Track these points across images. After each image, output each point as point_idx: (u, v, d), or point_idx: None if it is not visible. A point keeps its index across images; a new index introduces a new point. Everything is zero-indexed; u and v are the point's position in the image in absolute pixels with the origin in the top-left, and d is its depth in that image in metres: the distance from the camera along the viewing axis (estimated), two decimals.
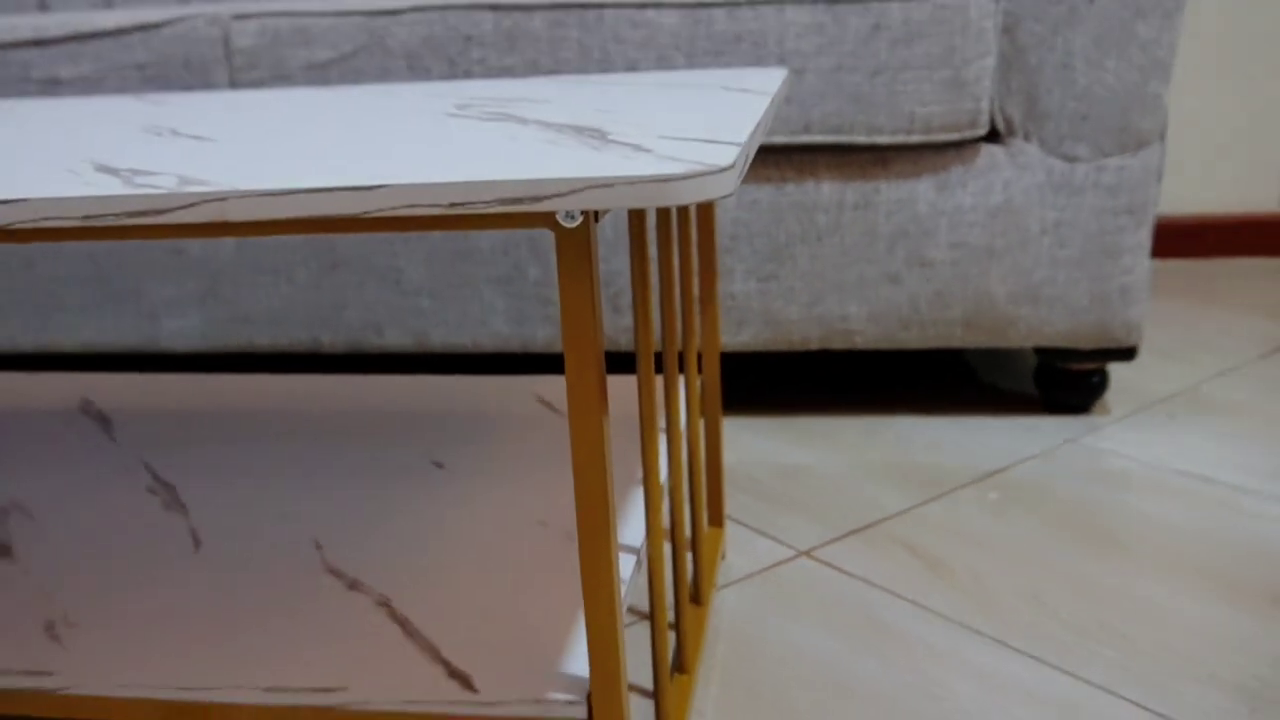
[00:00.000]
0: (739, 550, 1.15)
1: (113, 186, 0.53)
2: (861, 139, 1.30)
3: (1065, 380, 1.44)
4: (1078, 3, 1.26)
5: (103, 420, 1.06)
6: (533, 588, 0.74)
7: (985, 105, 1.29)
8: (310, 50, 1.35)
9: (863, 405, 1.51)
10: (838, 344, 1.41)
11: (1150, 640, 0.96)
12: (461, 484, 0.89)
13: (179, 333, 1.48)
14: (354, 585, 0.74)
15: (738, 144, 0.53)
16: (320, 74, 1.35)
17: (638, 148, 0.54)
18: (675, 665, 0.88)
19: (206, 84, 1.38)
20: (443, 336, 1.44)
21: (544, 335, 1.42)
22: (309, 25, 1.34)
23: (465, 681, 0.63)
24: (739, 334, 1.41)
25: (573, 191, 0.47)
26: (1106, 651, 0.95)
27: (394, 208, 0.49)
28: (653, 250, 1.38)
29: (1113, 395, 1.51)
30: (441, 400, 1.07)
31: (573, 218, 0.51)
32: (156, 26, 1.37)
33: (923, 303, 1.37)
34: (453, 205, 0.48)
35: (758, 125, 0.62)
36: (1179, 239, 2.16)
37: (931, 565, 1.10)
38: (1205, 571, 1.06)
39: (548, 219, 0.51)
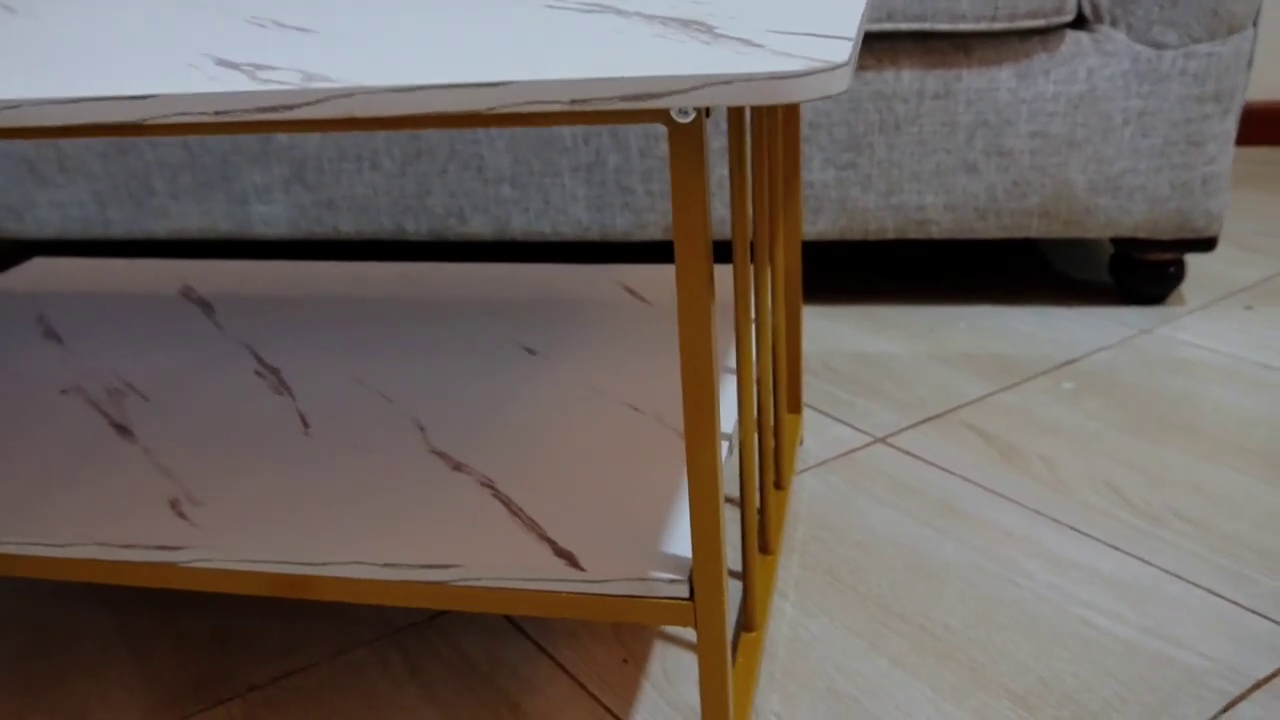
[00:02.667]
0: (816, 436, 1.18)
1: (239, 82, 0.55)
2: (944, 26, 1.29)
3: (1142, 270, 1.43)
4: None
5: (205, 306, 1.10)
6: (628, 470, 0.77)
7: None
8: None
9: (937, 293, 1.52)
10: (913, 234, 1.41)
11: (1223, 528, 0.98)
12: (553, 369, 0.92)
13: (268, 219, 1.51)
14: (458, 466, 0.78)
15: (848, 38, 0.54)
16: None
17: (748, 42, 0.55)
18: (760, 546, 0.91)
19: None
20: (524, 224, 1.46)
21: (623, 223, 1.44)
22: None
23: (571, 560, 0.66)
24: (815, 222, 1.42)
25: (693, 89, 0.48)
26: (1178, 539, 0.97)
27: (517, 104, 0.50)
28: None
29: (1189, 285, 1.50)
30: (529, 287, 1.10)
31: (686, 114, 0.53)
32: None
33: (1000, 192, 1.36)
34: (574, 102, 0.50)
35: (862, 16, 0.62)
36: (1263, 126, 2.11)
37: (1006, 453, 1.12)
38: (1277, 460, 1.07)
39: (662, 115, 0.53)
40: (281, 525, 0.73)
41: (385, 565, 0.67)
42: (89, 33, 0.74)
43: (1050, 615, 0.88)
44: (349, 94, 0.51)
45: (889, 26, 1.30)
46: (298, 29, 0.72)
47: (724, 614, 0.64)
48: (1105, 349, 1.33)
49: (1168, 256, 1.41)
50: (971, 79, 1.32)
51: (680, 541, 0.68)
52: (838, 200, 1.40)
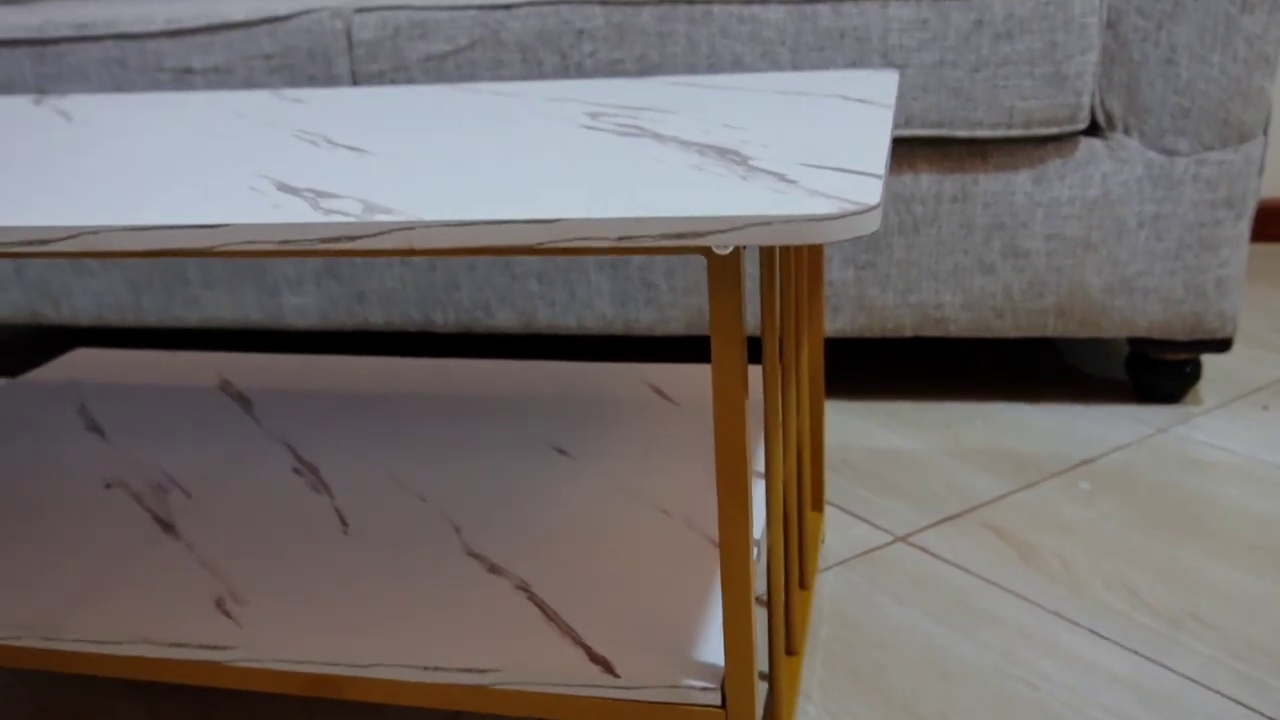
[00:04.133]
0: (837, 533, 1.20)
1: (303, 212, 0.59)
2: (961, 133, 1.33)
3: (1158, 369, 1.46)
4: None
5: (242, 400, 1.13)
6: (659, 575, 0.79)
7: (1086, 100, 1.30)
8: (428, 43, 1.40)
9: (954, 390, 1.54)
10: (931, 331, 1.44)
11: (1241, 632, 0.99)
12: (584, 471, 0.95)
13: (299, 309, 1.55)
14: (494, 569, 0.80)
15: (878, 176, 0.58)
16: (437, 66, 1.41)
17: (782, 178, 0.59)
18: (785, 648, 0.93)
19: (329, 74, 1.44)
20: (549, 317, 1.50)
21: (646, 318, 1.47)
22: (426, 19, 1.40)
23: (606, 666, 0.68)
24: (834, 320, 1.45)
25: (733, 229, 0.52)
26: (1198, 644, 0.98)
27: (568, 240, 0.54)
28: None
29: (1206, 384, 1.52)
30: (558, 385, 1.13)
31: (725, 248, 0.56)
32: (283, 19, 1.44)
33: (1016, 292, 1.40)
34: (621, 239, 0.53)
35: (889, 149, 0.66)
36: (1278, 222, 2.15)
37: (1024, 553, 1.14)
38: None
39: (703, 249, 0.56)
40: (324, 626, 0.75)
41: (426, 669, 0.69)
42: (147, 147, 0.78)
43: (1067, 716, 0.90)
44: (410, 227, 0.55)
45: (907, 132, 1.34)
46: (350, 148, 0.76)
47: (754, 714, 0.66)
48: (1122, 448, 1.35)
49: (1183, 356, 1.44)
50: (988, 183, 1.36)
51: (712, 648, 0.70)
52: (856, 299, 1.43)
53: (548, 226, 0.54)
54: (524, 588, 0.78)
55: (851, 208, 0.51)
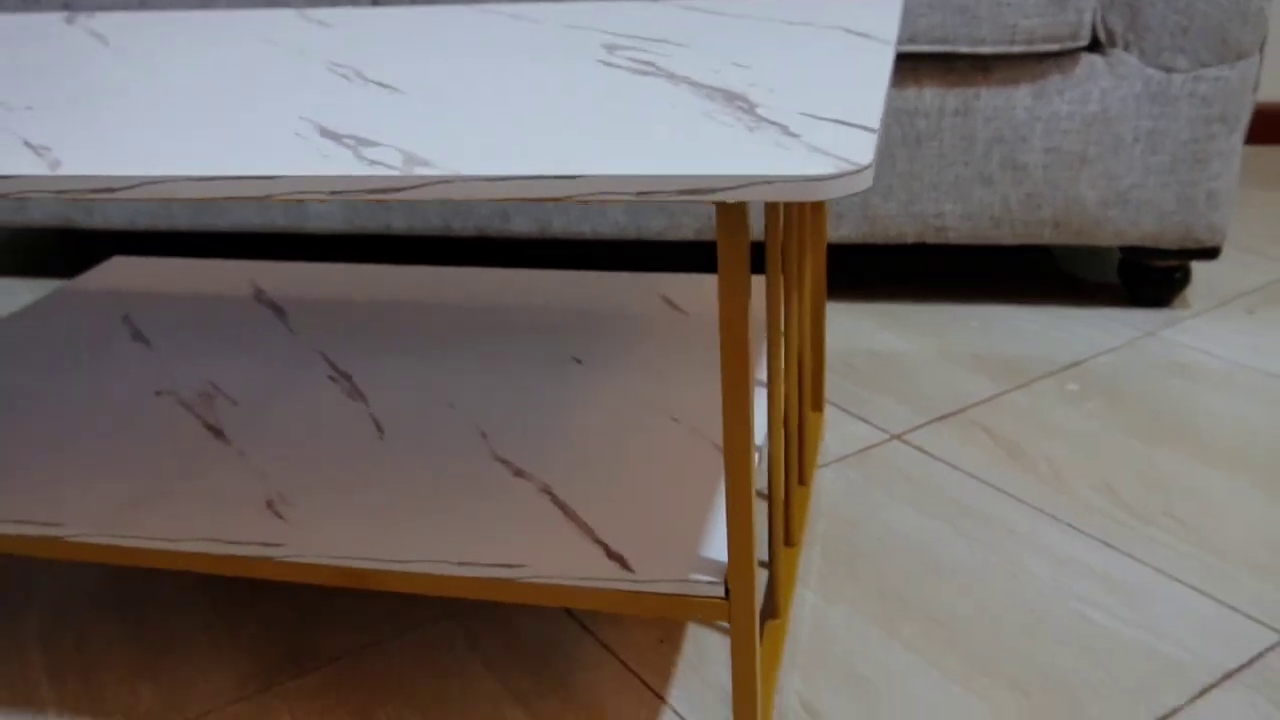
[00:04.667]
0: (836, 432, 1.27)
1: (348, 163, 0.65)
2: (964, 49, 1.37)
3: (1148, 275, 1.52)
4: None
5: (277, 309, 1.20)
6: (669, 477, 0.87)
7: (1088, 18, 1.34)
8: None
9: (951, 293, 1.60)
10: (931, 239, 1.49)
11: (1212, 530, 1.07)
12: (599, 379, 1.02)
13: (324, 215, 1.61)
14: (519, 473, 0.88)
15: (873, 131, 0.63)
16: None
17: (785, 130, 0.64)
18: (785, 540, 1.01)
19: None
20: (564, 224, 1.55)
21: (658, 224, 1.53)
22: None
23: (622, 562, 0.76)
24: (839, 228, 1.50)
25: (740, 186, 0.58)
26: (1170, 540, 1.06)
27: (591, 194, 0.60)
28: None
29: (1194, 288, 1.58)
30: (574, 295, 1.19)
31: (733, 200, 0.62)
32: None
33: (1014, 203, 1.45)
34: (639, 194, 0.59)
35: (886, 95, 0.71)
36: (1276, 125, 2.18)
37: (1012, 452, 1.22)
38: (1268, 466, 1.16)
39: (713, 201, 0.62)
40: (366, 525, 0.83)
41: (460, 564, 0.77)
42: (187, 83, 0.84)
43: (1049, 609, 0.98)
44: (448, 181, 0.61)
45: (912, 48, 1.38)
46: (380, 85, 0.81)
47: (754, 611, 0.74)
48: (1110, 351, 1.42)
49: (1173, 264, 1.49)
50: (990, 98, 1.40)
51: (717, 546, 0.78)
52: (860, 207, 1.48)
53: (574, 182, 0.59)
54: (547, 490, 0.85)
55: (848, 167, 0.57)
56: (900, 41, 1.37)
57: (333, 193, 0.63)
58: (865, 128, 0.63)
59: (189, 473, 0.90)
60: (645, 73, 0.80)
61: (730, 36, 0.89)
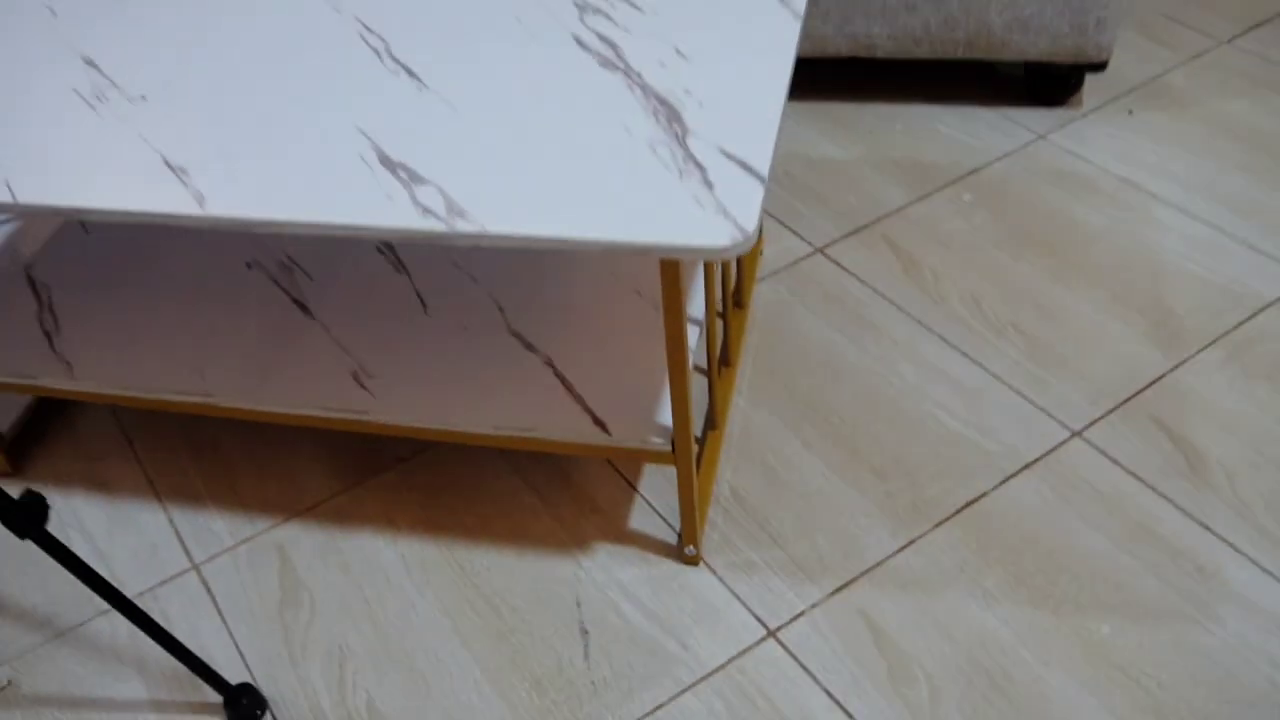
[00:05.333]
0: (773, 245, 1.60)
1: (406, 212, 0.94)
2: None
3: (1046, 81, 1.78)
4: None
5: None
6: (638, 353, 1.21)
7: None
8: None
9: (886, 95, 1.87)
10: (861, 54, 1.75)
11: (1045, 341, 1.43)
12: (586, 262, 1.34)
13: None
14: (529, 346, 1.23)
15: (763, 182, 0.93)
16: None
17: (704, 178, 0.94)
18: (723, 359, 1.38)
19: None
20: None
21: None
22: None
23: (604, 427, 1.13)
24: None
25: (653, 252, 0.89)
26: (1009, 349, 1.43)
27: (559, 248, 0.91)
28: None
29: (1090, 82, 1.84)
30: None
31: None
32: None
33: (933, 26, 1.69)
34: (589, 247, 0.90)
35: (776, 139, 0.99)
36: None
37: (907, 265, 1.56)
38: (1105, 279, 1.51)
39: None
40: (425, 394, 1.19)
41: (494, 427, 1.15)
42: (230, 65, 1.10)
43: (908, 410, 1.36)
44: (483, 233, 0.92)
45: None
46: (409, 73, 1.09)
47: (691, 460, 1.12)
48: (1005, 156, 1.72)
49: (1067, 73, 1.76)
50: None
51: (667, 414, 1.14)
52: (802, 30, 1.72)
53: (549, 240, 0.91)
54: (549, 363, 1.21)
55: (739, 237, 0.88)
56: None
57: (388, 233, 0.94)
58: (759, 177, 0.93)
59: (292, 346, 1.25)
60: (608, 65, 1.07)
61: (676, 26, 1.14)
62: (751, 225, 0.90)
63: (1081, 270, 1.52)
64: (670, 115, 1.01)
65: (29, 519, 0.94)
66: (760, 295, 1.53)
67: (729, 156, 0.96)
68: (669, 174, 0.95)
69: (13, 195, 1.00)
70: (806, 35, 1.73)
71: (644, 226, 0.91)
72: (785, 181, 1.71)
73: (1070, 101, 1.82)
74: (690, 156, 0.96)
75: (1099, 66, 1.72)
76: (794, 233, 1.62)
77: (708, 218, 0.90)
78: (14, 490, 1.34)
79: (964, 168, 1.70)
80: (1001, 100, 1.83)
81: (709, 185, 0.94)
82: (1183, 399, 1.34)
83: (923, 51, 1.72)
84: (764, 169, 0.95)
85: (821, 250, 1.59)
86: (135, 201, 0.98)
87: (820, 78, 1.92)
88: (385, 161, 0.99)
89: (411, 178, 0.97)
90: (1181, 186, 1.64)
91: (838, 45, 1.74)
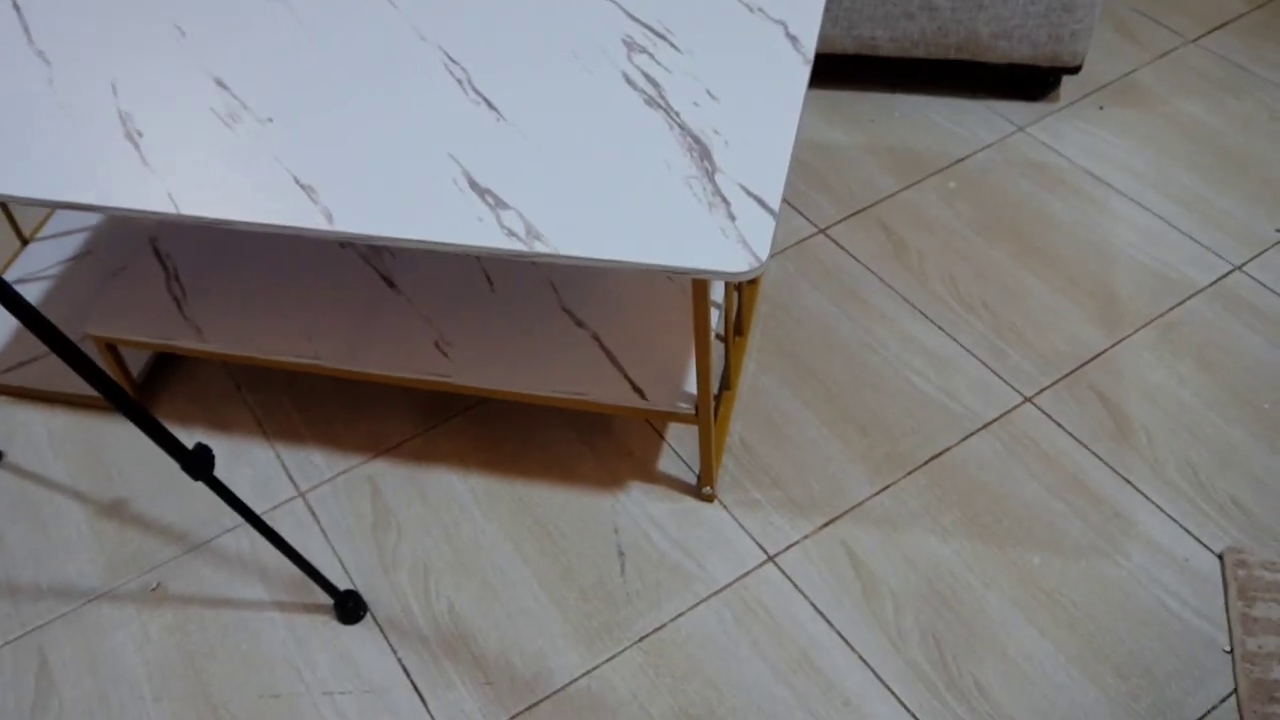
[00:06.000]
0: (784, 224, 1.86)
1: (494, 234, 1.21)
2: None
3: (1028, 77, 2.02)
4: None
5: None
6: (671, 327, 1.48)
7: None
8: None
9: (882, 83, 2.11)
10: (866, 52, 1.98)
11: (1008, 317, 1.70)
12: None
13: None
14: (579, 323, 1.50)
15: (774, 217, 1.19)
16: None
17: (729, 211, 1.20)
18: (737, 329, 1.65)
19: None
20: None
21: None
22: None
23: (641, 394, 1.41)
24: None
25: (687, 275, 1.15)
26: (978, 324, 1.69)
27: (606, 265, 1.17)
28: None
29: (1067, 79, 2.08)
30: None
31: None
32: None
33: (929, 33, 1.93)
34: (627, 265, 1.17)
35: (786, 175, 1.25)
36: None
37: (897, 246, 1.82)
38: (1063, 264, 1.77)
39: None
40: (495, 361, 1.47)
41: (553, 391, 1.42)
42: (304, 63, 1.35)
43: (889, 375, 1.64)
44: (555, 254, 1.18)
45: None
46: (489, 104, 1.34)
47: (710, 420, 1.40)
48: (987, 147, 1.97)
49: (1044, 74, 1.99)
50: None
51: (691, 382, 1.42)
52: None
53: (607, 261, 1.17)
54: (595, 337, 1.48)
55: (755, 263, 1.15)
56: None
57: (463, 248, 1.20)
58: (771, 212, 1.20)
59: (382, 316, 1.52)
60: (652, 103, 1.32)
61: (712, 43, 1.38)
62: (765, 254, 1.16)
63: (1044, 255, 1.78)
64: (702, 153, 1.27)
65: (202, 466, 1.22)
66: (770, 271, 1.79)
67: (748, 192, 1.22)
68: (700, 206, 1.21)
69: (176, 206, 1.27)
70: (819, 38, 1.96)
71: (680, 252, 1.17)
72: (795, 166, 1.96)
73: (1049, 96, 2.05)
74: (718, 191, 1.22)
75: (1074, 70, 1.96)
76: (801, 214, 1.88)
77: (730, 246, 1.17)
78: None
79: (950, 157, 1.95)
80: (988, 93, 2.07)
81: (732, 218, 1.20)
82: (1119, 372, 1.61)
83: (919, 52, 1.96)
84: (775, 204, 1.21)
85: (824, 231, 1.85)
86: (276, 216, 1.24)
87: (829, 70, 2.15)
88: (474, 186, 1.25)
89: (497, 203, 1.24)
90: (1138, 180, 1.89)
91: (845, 45, 1.97)
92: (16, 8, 1.55)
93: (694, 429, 1.59)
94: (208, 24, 1.48)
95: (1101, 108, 2.02)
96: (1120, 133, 1.97)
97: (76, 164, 1.30)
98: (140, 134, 1.34)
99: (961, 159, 1.95)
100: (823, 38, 1.97)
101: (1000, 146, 1.96)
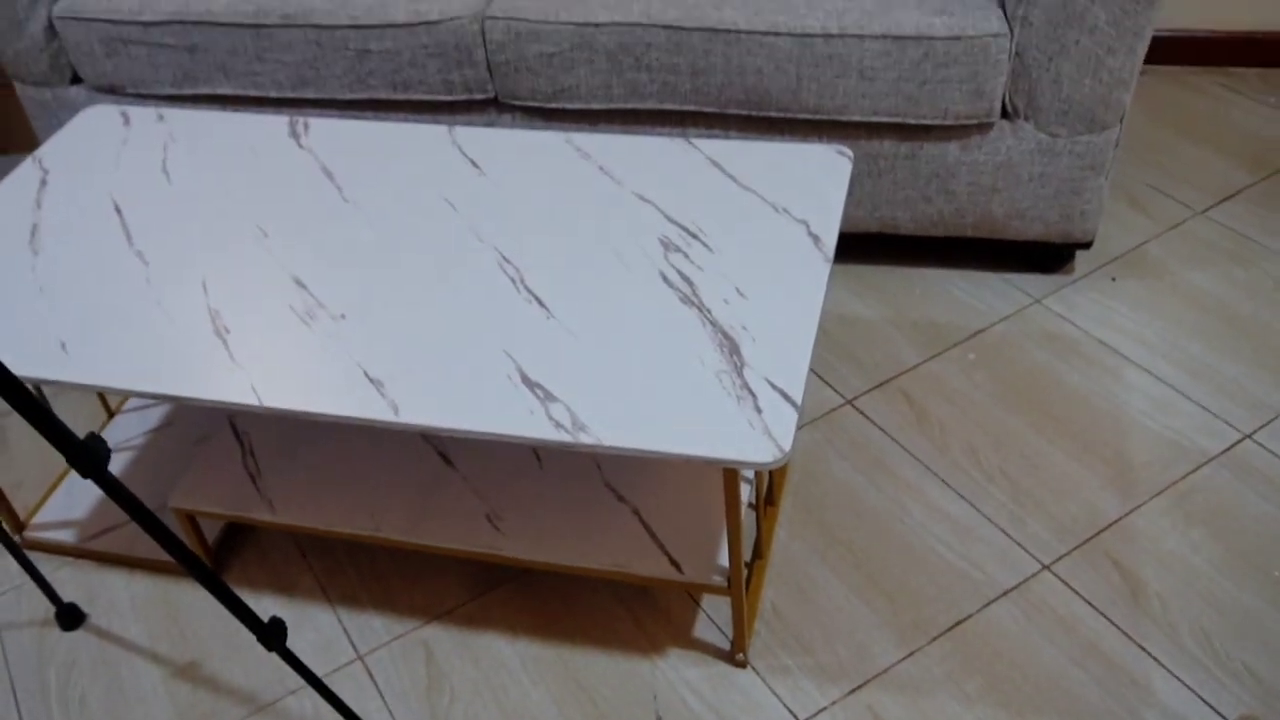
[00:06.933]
0: (812, 395, 1.98)
1: (544, 426, 1.34)
2: (911, 121, 1.95)
3: (1043, 252, 2.15)
4: (1068, 42, 1.83)
5: None
6: (704, 501, 1.59)
7: (997, 105, 1.91)
8: (540, 45, 2.00)
9: (904, 257, 2.24)
10: (888, 231, 2.13)
11: (1026, 486, 1.80)
12: None
13: None
14: (620, 498, 1.61)
15: (797, 409, 1.31)
16: (546, 61, 2.01)
17: (755, 404, 1.32)
18: (768, 499, 1.76)
19: (470, 60, 2.04)
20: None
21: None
22: (539, 28, 1.98)
23: (677, 567, 1.51)
24: None
25: (717, 464, 1.27)
26: (997, 492, 1.79)
27: (650, 455, 1.29)
28: None
29: (1080, 252, 2.21)
30: None
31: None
32: (436, 22, 2.02)
33: (947, 214, 2.07)
34: (664, 456, 1.28)
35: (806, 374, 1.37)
36: (1180, 49, 2.68)
37: (920, 416, 1.93)
38: (1078, 433, 1.87)
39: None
40: (546, 536, 1.58)
41: (596, 565, 1.53)
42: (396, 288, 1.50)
43: (914, 543, 1.73)
44: (598, 447, 1.30)
45: (876, 119, 1.96)
46: (540, 303, 1.48)
47: (742, 592, 1.49)
48: (1004, 319, 2.09)
49: (1057, 249, 2.12)
50: (930, 148, 1.99)
51: (724, 555, 1.52)
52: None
53: (646, 452, 1.29)
54: (636, 513, 1.59)
55: (779, 455, 1.26)
56: (867, 114, 1.95)
57: (515, 440, 1.33)
58: (795, 405, 1.31)
59: (438, 491, 1.65)
60: (687, 301, 1.46)
61: (741, 242, 1.52)
62: (788, 445, 1.28)
63: (1060, 424, 1.88)
64: (731, 349, 1.39)
65: (276, 637, 1.33)
66: (800, 440, 1.90)
67: (773, 387, 1.34)
68: (729, 400, 1.33)
69: (259, 399, 1.41)
70: (844, 218, 2.11)
71: (712, 443, 1.29)
72: (822, 339, 2.09)
73: (1063, 269, 2.18)
74: (745, 385, 1.35)
75: (1085, 245, 2.09)
76: (829, 385, 2.00)
77: (757, 438, 1.29)
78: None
79: (970, 329, 2.07)
80: (1005, 266, 2.20)
81: (759, 410, 1.32)
82: (1133, 540, 1.70)
83: (938, 231, 2.10)
84: (798, 397, 1.33)
85: (850, 402, 1.96)
86: (349, 408, 1.38)
87: (854, 247, 2.29)
88: (526, 380, 1.39)
89: (546, 396, 1.37)
90: (1150, 350, 1.99)
91: (868, 224, 2.12)
92: (118, 211, 1.73)
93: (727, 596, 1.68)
94: (287, 226, 1.65)
95: (1114, 279, 2.14)
96: (1132, 303, 2.08)
97: (172, 357, 1.45)
98: (228, 330, 1.49)
99: (980, 331, 2.07)
100: (847, 218, 2.11)
101: (1017, 318, 2.08)
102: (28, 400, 1.08)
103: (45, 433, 1.11)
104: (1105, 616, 1.60)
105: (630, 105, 2.04)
